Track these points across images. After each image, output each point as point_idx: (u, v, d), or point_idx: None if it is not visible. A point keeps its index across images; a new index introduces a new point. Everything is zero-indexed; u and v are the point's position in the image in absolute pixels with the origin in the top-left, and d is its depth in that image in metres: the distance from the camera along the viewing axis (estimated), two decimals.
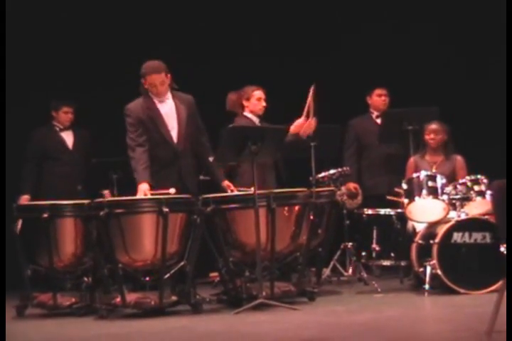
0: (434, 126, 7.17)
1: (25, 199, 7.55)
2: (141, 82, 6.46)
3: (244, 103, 7.06)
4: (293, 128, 6.86)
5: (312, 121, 6.90)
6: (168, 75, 6.46)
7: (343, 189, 7.35)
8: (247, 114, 7.07)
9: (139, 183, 6.31)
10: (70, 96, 7.99)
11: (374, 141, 7.84)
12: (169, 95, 6.53)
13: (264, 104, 7.02)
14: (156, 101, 6.50)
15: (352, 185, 7.61)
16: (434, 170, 7.01)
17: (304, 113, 6.88)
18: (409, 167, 7.26)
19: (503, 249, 6.28)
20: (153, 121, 6.45)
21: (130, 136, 6.43)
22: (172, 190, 6.15)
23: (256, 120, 7.04)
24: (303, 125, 6.87)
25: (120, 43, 8.47)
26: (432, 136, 7.18)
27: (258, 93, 7.03)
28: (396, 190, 7.21)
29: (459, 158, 7.20)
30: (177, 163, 6.46)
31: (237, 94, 7.15)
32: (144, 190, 6.26)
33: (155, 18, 8.62)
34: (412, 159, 7.29)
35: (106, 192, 6.43)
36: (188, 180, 6.50)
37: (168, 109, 6.50)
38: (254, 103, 7.04)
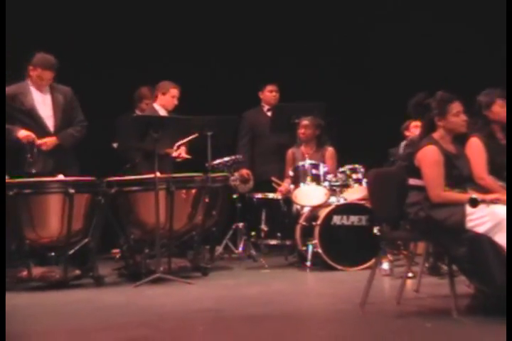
0: (304, 122, 7.24)
1: None
2: (28, 68, 6.29)
3: (159, 96, 7.00)
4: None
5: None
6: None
7: (236, 174, 7.34)
8: (156, 105, 7.04)
9: (18, 132, 6.18)
10: None
11: (265, 131, 7.86)
12: (47, 87, 6.38)
13: (176, 101, 6.98)
14: (32, 89, 6.34)
15: (245, 171, 7.61)
16: (307, 160, 7.05)
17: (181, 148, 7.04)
18: (288, 157, 7.34)
19: (376, 230, 6.42)
20: (24, 107, 6.28)
21: None
22: None
23: (163, 113, 6.99)
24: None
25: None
26: (302, 130, 7.26)
27: (174, 91, 7.02)
28: (273, 179, 7.28)
29: (329, 149, 7.26)
30: (57, 147, 6.32)
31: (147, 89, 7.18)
32: (27, 134, 6.16)
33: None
34: (290, 150, 7.36)
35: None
36: (63, 161, 6.34)
37: (44, 98, 6.36)
38: (168, 99, 7.00)
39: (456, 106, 4.65)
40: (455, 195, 4.51)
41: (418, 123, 6.90)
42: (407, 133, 7.32)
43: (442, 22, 8.43)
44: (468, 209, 4.40)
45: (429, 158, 4.56)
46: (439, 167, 4.53)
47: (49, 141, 6.30)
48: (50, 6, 8.01)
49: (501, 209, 4.41)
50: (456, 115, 4.64)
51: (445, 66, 8.18)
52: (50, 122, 6.36)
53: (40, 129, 6.33)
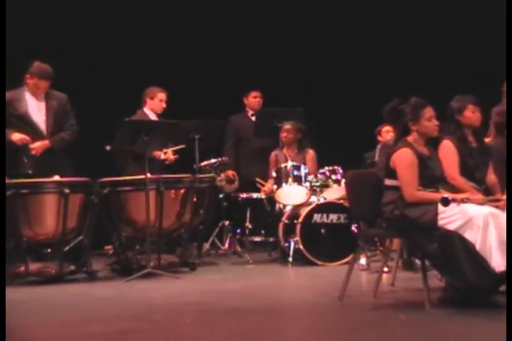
0: (286, 126, 7.27)
1: None
2: (25, 76, 6.29)
3: (148, 101, 7.01)
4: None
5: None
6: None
7: (223, 175, 7.34)
8: (146, 110, 7.04)
9: (11, 135, 6.17)
10: None
11: (249, 135, 7.86)
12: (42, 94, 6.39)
13: (164, 105, 6.99)
14: (28, 95, 6.35)
15: (230, 172, 7.59)
16: (289, 162, 7.06)
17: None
18: (271, 159, 7.36)
19: (353, 228, 6.44)
20: (18, 112, 6.28)
21: None
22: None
23: (153, 116, 6.99)
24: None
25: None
26: (284, 134, 7.28)
27: (162, 95, 7.03)
28: (257, 179, 7.28)
29: (310, 152, 7.28)
30: (49, 150, 6.32)
31: None
32: (21, 136, 6.16)
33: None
34: (273, 153, 7.38)
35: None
36: (57, 162, 6.34)
37: (38, 104, 6.36)
38: (156, 103, 7.02)
39: (428, 112, 4.67)
40: (428, 195, 4.53)
41: (389, 128, 6.95)
42: (379, 138, 7.33)
43: (415, 30, 8.42)
44: (440, 207, 4.42)
45: (404, 160, 4.57)
46: (413, 168, 4.55)
47: (39, 146, 6.30)
48: (48, 16, 8.00)
49: (471, 208, 4.43)
50: (429, 120, 4.67)
51: (418, 73, 8.19)
52: (43, 126, 6.38)
53: (35, 133, 6.34)
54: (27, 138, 6.24)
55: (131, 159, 6.88)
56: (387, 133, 7.14)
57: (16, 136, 6.23)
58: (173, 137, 6.79)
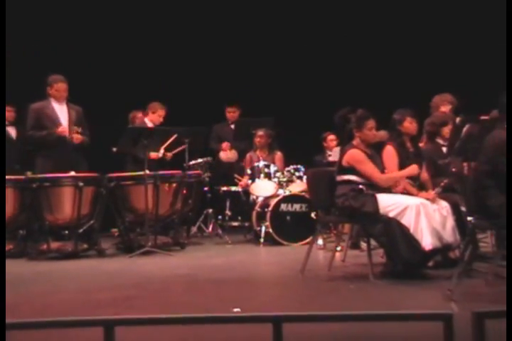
0: (259, 132, 7.27)
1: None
2: (47, 88, 6.27)
3: (150, 113, 6.99)
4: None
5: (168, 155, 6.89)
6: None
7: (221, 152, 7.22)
8: (146, 120, 7.00)
9: (55, 131, 6.16)
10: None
11: (230, 139, 7.86)
12: (65, 102, 6.36)
13: (161, 120, 6.98)
14: (54, 104, 6.31)
15: (224, 144, 7.42)
16: (261, 161, 7.09)
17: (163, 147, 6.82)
18: (247, 159, 7.34)
19: (313, 215, 6.47)
20: (49, 117, 6.25)
21: (28, 128, 6.28)
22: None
23: (150, 124, 6.95)
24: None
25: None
26: (258, 139, 7.28)
27: (162, 112, 7.01)
28: (235, 175, 7.29)
29: (278, 154, 7.30)
30: (68, 147, 6.27)
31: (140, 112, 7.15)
32: (63, 128, 6.16)
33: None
34: (248, 154, 7.38)
35: (29, 173, 6.20)
36: (76, 159, 6.30)
37: (62, 111, 6.33)
38: (156, 117, 6.98)
39: (370, 123, 4.72)
40: (394, 174, 4.62)
41: (333, 137, 7.01)
42: (324, 144, 7.35)
43: (366, 52, 8.36)
44: (380, 199, 4.49)
45: (357, 157, 4.63)
46: (367, 161, 4.62)
47: (79, 137, 6.27)
48: (64, 39, 7.97)
49: (406, 199, 4.51)
50: (370, 129, 4.72)
51: (367, 91, 8.17)
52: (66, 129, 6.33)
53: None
54: (65, 127, 6.22)
55: (131, 159, 6.86)
56: (331, 141, 7.19)
57: (60, 129, 6.18)
58: (167, 141, 6.79)
